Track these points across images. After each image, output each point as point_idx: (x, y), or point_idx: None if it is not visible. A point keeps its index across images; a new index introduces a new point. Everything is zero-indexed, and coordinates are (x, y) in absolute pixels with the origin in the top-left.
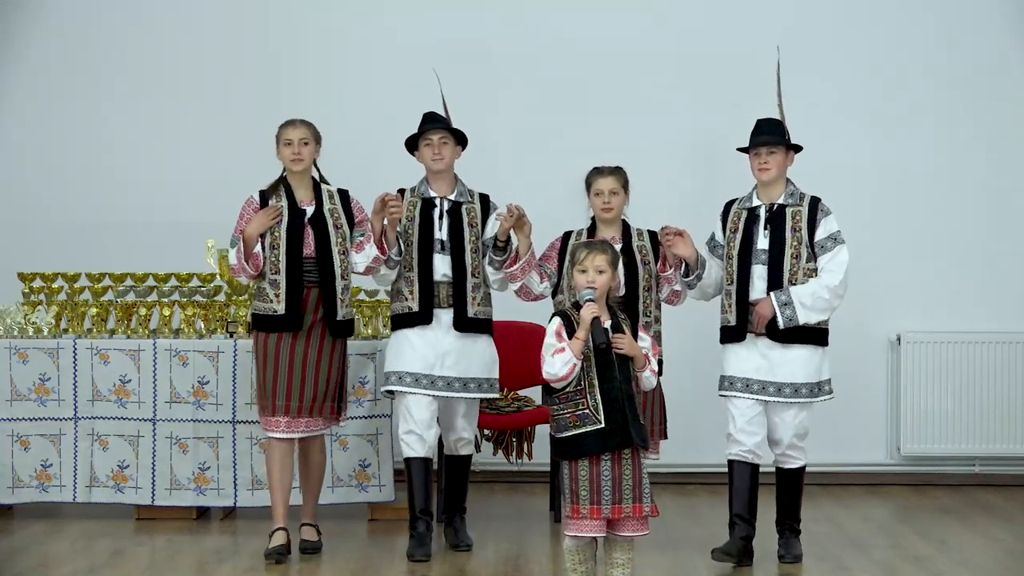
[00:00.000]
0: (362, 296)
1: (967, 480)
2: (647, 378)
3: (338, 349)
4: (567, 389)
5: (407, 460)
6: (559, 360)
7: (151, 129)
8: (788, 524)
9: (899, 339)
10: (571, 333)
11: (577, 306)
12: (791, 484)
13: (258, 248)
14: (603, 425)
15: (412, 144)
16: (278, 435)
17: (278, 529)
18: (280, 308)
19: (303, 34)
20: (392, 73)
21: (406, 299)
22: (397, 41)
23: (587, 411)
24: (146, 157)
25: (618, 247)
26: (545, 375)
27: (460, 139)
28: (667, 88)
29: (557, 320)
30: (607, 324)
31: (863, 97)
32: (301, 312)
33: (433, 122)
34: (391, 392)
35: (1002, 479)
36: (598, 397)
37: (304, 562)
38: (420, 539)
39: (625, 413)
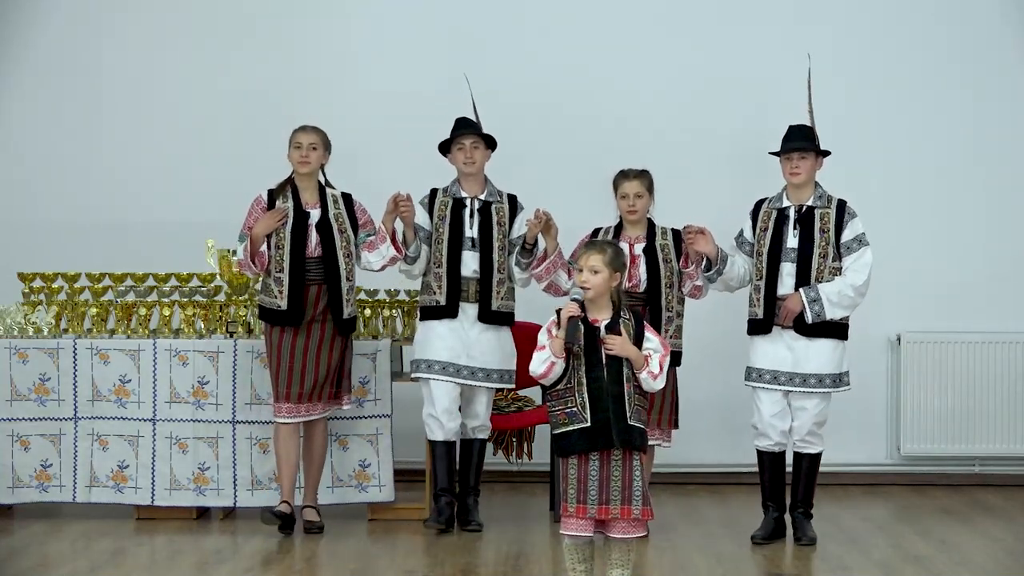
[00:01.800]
0: (362, 296)
1: (967, 480)
2: (643, 380)
3: (339, 339)
4: (559, 387)
5: (430, 442)
6: (537, 358)
7: (151, 129)
8: (802, 509)
9: (899, 339)
10: None
11: (581, 306)
12: (807, 469)
13: (264, 247)
14: (588, 424)
15: (445, 147)
16: (281, 420)
17: (283, 502)
18: (283, 304)
19: (307, 35)
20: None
21: (434, 293)
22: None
23: (575, 409)
24: (146, 157)
25: (642, 246)
26: (529, 371)
27: (490, 143)
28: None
29: (552, 318)
30: (604, 323)
31: (863, 99)
32: (302, 308)
33: (466, 127)
34: (417, 379)
35: (1002, 479)
36: (585, 396)
37: (304, 562)
38: (440, 510)
39: (609, 414)
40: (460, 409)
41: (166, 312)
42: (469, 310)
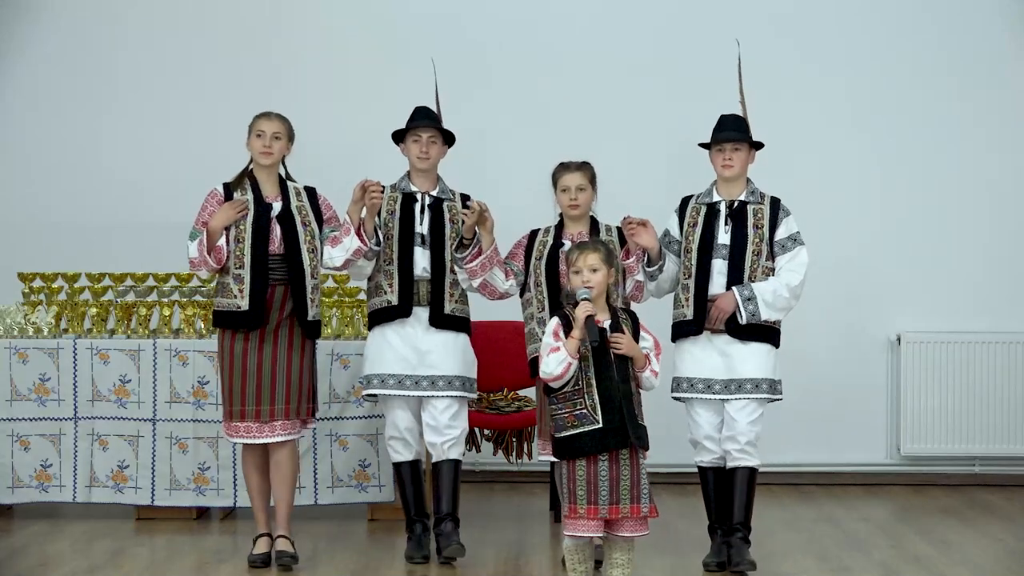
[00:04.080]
0: (361, 296)
1: (967, 480)
2: (647, 378)
3: (307, 348)
4: (565, 389)
5: (395, 465)
6: (554, 359)
7: (151, 129)
8: (740, 533)
9: (899, 339)
10: (569, 332)
11: (577, 306)
12: (744, 485)
13: (222, 241)
14: (600, 425)
15: (399, 136)
16: (248, 441)
17: (261, 535)
18: (244, 304)
19: (301, 34)
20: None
21: (385, 293)
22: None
23: (585, 411)
24: (146, 157)
25: None
26: (541, 374)
27: (448, 139)
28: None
29: (555, 320)
30: (607, 323)
31: (863, 97)
32: (266, 309)
33: (424, 118)
34: (374, 396)
35: (1002, 479)
36: (596, 397)
37: (304, 562)
38: (418, 541)
39: (623, 413)
40: (426, 424)
41: (166, 312)
42: (421, 315)
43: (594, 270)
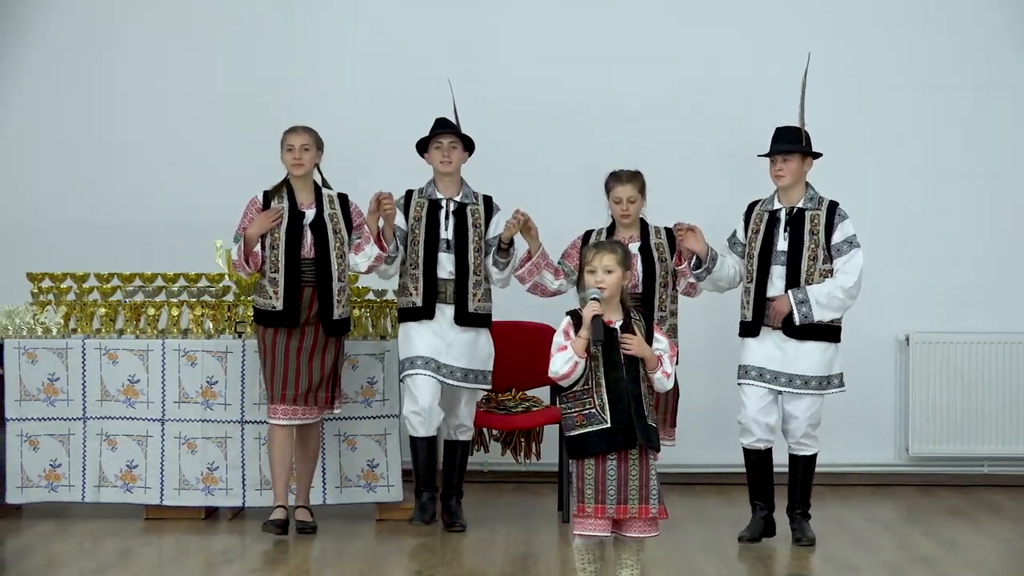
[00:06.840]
0: (370, 296)
1: (975, 481)
2: (658, 379)
3: (332, 344)
4: (575, 388)
5: (412, 439)
6: (560, 358)
7: (160, 129)
8: (800, 510)
9: (908, 339)
10: (579, 332)
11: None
12: (803, 471)
13: (258, 248)
14: (609, 425)
15: (422, 146)
16: (275, 422)
17: (278, 506)
18: (278, 305)
19: (313, 34)
20: (396, 76)
21: (411, 295)
22: (406, 43)
23: (594, 410)
24: (154, 158)
25: (636, 245)
26: (549, 373)
27: (468, 145)
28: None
29: (567, 319)
30: (618, 323)
31: (873, 99)
32: (297, 310)
33: (444, 127)
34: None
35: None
36: (604, 397)
37: (312, 562)
38: (423, 507)
39: (631, 413)
40: (446, 409)
41: (175, 312)
42: (447, 311)
43: (608, 271)
